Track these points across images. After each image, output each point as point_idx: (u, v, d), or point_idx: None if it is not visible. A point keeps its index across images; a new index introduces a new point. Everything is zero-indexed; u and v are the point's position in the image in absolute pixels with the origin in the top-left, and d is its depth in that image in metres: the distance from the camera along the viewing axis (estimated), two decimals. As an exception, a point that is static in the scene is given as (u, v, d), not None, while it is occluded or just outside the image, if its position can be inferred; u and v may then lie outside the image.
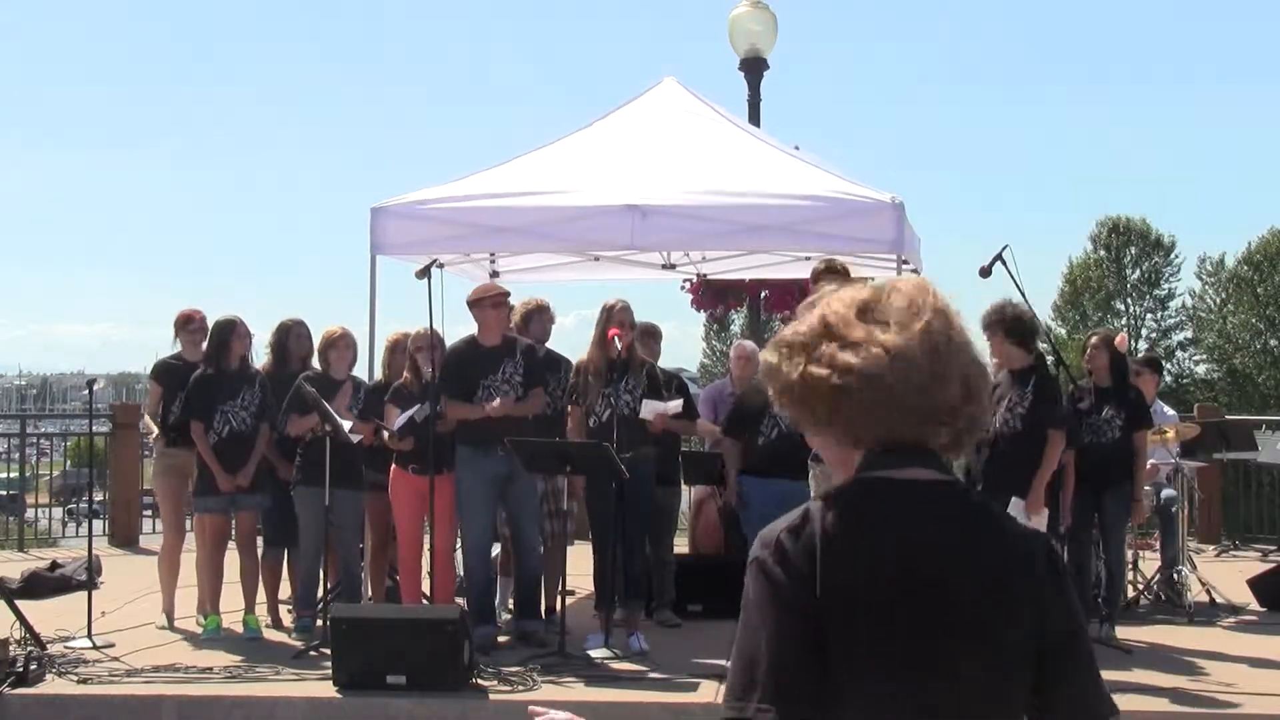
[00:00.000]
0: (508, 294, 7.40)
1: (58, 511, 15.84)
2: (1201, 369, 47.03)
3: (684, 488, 9.02)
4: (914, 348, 1.70)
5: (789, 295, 9.85)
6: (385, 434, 7.29)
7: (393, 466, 7.35)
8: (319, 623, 6.94)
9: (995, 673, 1.69)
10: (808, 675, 1.63)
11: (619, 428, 6.89)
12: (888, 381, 1.69)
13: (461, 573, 7.56)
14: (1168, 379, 39.62)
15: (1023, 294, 6.79)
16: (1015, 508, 6.24)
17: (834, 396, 1.71)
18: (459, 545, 7.50)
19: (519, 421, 7.06)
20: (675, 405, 7.15)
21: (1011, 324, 6.68)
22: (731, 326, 35.90)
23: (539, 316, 8.01)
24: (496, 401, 7.04)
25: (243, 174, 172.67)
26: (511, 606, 7.70)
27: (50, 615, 7.44)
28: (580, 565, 7.50)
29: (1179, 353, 46.91)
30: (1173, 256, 47.01)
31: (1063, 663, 1.74)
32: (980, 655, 1.68)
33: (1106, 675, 1.79)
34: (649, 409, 7.05)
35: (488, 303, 7.18)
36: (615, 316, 7.13)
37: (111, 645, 6.94)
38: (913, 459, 1.73)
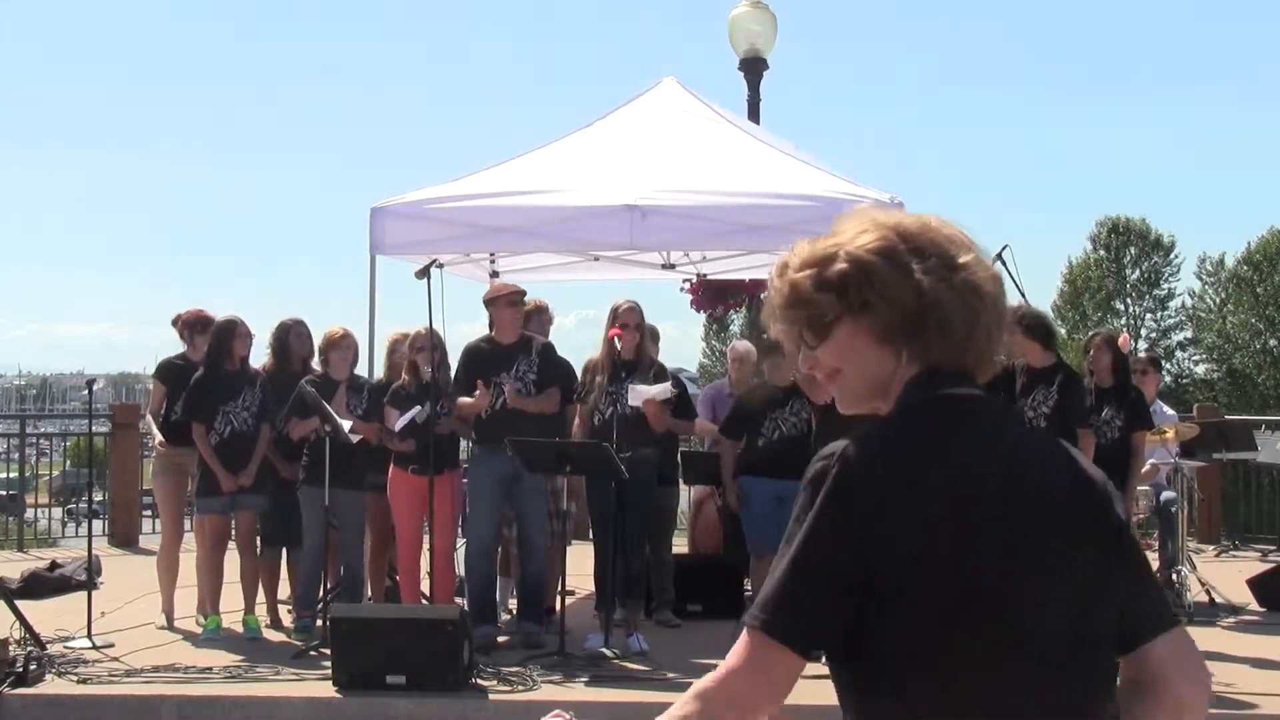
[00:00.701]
0: (523, 293, 7.49)
1: (57, 511, 15.86)
2: (1201, 369, 47.00)
3: (684, 488, 9.03)
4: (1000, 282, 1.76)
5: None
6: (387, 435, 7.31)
7: (391, 467, 7.36)
8: (319, 623, 6.94)
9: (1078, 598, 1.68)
10: (832, 587, 1.60)
11: (620, 427, 6.90)
12: (990, 305, 1.72)
13: (461, 573, 7.56)
14: (1167, 379, 39.61)
15: (1022, 294, 6.81)
16: None
17: (939, 311, 1.68)
18: (459, 545, 7.49)
19: (524, 421, 7.08)
20: (663, 389, 7.14)
21: (1030, 321, 6.74)
22: (731, 326, 35.90)
23: (537, 317, 8.03)
24: (499, 389, 7.05)
25: (243, 174, 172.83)
26: (511, 606, 7.70)
27: (50, 615, 7.43)
28: (580, 565, 7.50)
29: (1179, 353, 46.87)
30: (1172, 256, 47.00)
31: (1148, 624, 1.78)
32: (1064, 591, 1.65)
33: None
34: (635, 395, 7.03)
35: (502, 301, 7.28)
36: (620, 317, 7.19)
37: (111, 645, 6.93)
38: (963, 380, 1.72)
